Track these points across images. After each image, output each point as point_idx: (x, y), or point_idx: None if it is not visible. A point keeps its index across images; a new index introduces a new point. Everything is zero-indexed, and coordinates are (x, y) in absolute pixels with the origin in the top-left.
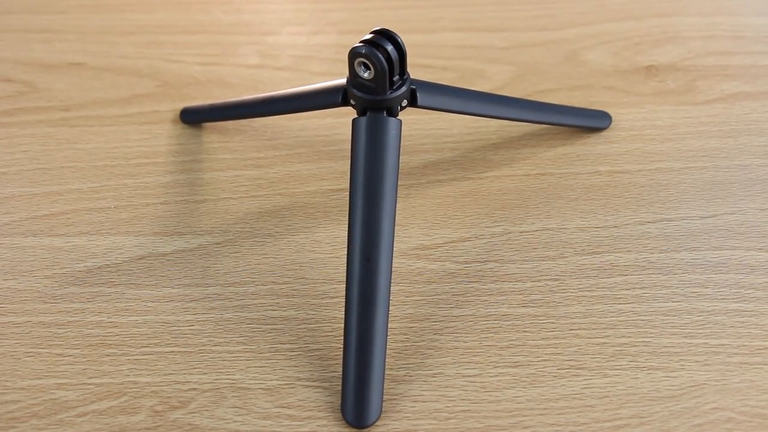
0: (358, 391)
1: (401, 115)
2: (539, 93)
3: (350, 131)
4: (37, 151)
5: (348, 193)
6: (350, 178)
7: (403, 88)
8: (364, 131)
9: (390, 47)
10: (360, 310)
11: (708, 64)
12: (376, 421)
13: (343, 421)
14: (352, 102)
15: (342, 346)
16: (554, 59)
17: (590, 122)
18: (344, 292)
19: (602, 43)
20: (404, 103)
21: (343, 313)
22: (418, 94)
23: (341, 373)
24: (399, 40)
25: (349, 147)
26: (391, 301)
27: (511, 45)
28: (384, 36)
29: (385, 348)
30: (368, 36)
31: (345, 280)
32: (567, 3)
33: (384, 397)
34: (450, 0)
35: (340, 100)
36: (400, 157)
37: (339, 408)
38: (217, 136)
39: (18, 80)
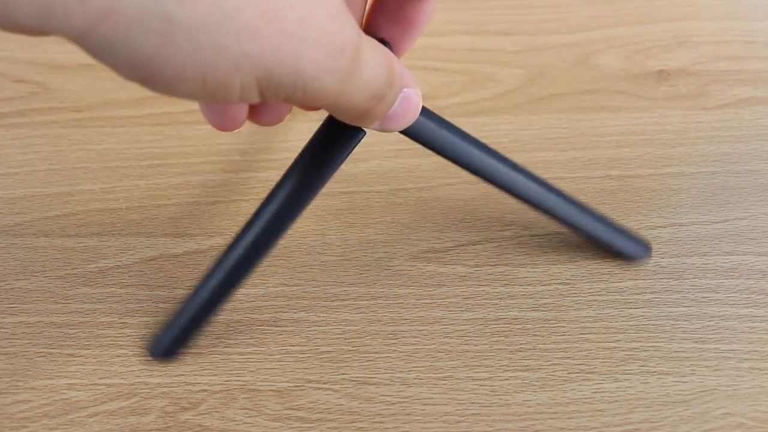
0: (178, 333)
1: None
2: (550, 96)
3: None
4: (49, 152)
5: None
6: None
7: None
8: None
9: None
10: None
11: (719, 69)
12: (164, 357)
13: None
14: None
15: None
16: (565, 63)
17: (624, 247)
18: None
19: (613, 47)
20: None
21: (341, 313)
22: None
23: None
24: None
25: (360, 149)
26: (401, 304)
27: (522, 48)
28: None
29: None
30: None
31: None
32: (578, 7)
33: (395, 399)
34: (461, 3)
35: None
36: (411, 160)
37: None
38: (229, 137)
39: (31, 81)
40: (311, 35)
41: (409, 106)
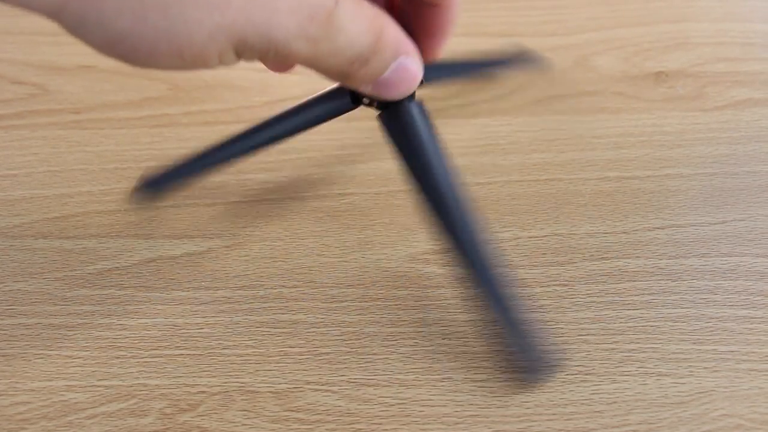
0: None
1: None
2: (548, 98)
3: (358, 134)
4: (47, 154)
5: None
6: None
7: None
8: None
9: None
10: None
11: (718, 71)
12: (149, 191)
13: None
14: (365, 100)
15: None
16: (564, 64)
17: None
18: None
19: (612, 49)
20: (375, 102)
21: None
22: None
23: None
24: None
25: (359, 151)
26: (400, 306)
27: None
28: None
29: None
30: None
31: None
32: (577, 9)
33: (393, 401)
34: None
35: (350, 101)
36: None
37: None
38: None
39: (29, 82)
40: (282, 4)
41: (404, 75)
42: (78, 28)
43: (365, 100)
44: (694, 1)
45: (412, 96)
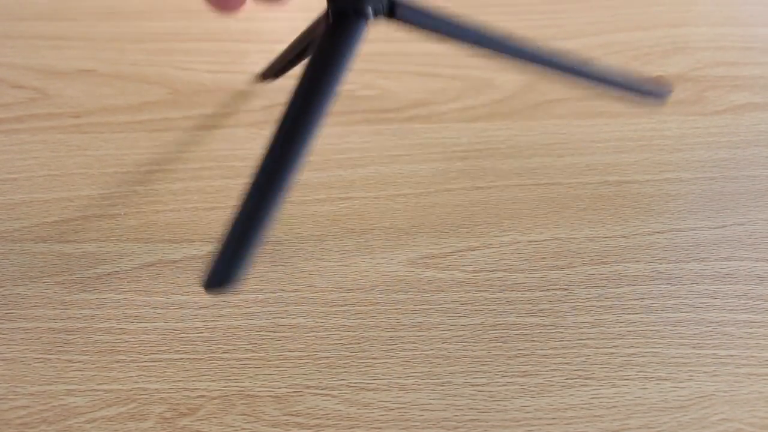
0: (230, 254)
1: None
2: (548, 102)
3: (357, 138)
4: (47, 158)
5: None
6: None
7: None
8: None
9: None
10: (261, 181)
11: (717, 75)
12: (221, 287)
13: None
14: None
15: None
16: None
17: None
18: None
19: (611, 53)
20: (381, 10)
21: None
22: (396, 5)
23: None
24: None
25: (359, 155)
26: (399, 310)
27: None
28: None
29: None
30: None
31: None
32: (576, 13)
33: (393, 405)
34: (459, 9)
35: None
36: (409, 165)
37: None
38: (227, 143)
39: (29, 87)
40: None
41: None
42: None
43: (371, 12)
44: (693, 6)
45: (364, 16)
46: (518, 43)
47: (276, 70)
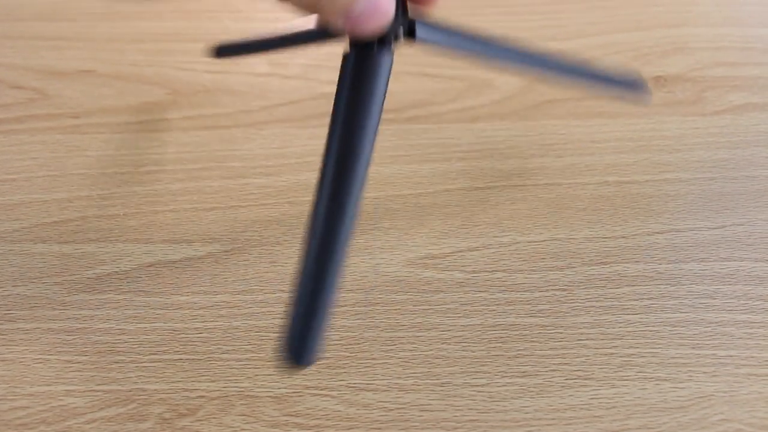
0: (305, 329)
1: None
2: (547, 103)
3: None
4: (47, 158)
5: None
6: (332, 113)
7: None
8: (353, 65)
9: None
10: (319, 249)
11: (716, 75)
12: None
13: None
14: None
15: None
16: None
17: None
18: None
19: (611, 54)
20: (401, 36)
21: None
22: (416, 26)
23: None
24: None
25: None
26: (399, 310)
27: None
28: None
29: (334, 295)
30: None
31: (310, 217)
32: (576, 13)
33: (393, 405)
34: (458, 10)
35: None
36: (409, 166)
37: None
38: (226, 144)
39: (28, 87)
40: None
41: (377, 7)
42: None
43: (393, 40)
44: (692, 6)
45: (388, 44)
46: (535, 52)
47: (235, 50)
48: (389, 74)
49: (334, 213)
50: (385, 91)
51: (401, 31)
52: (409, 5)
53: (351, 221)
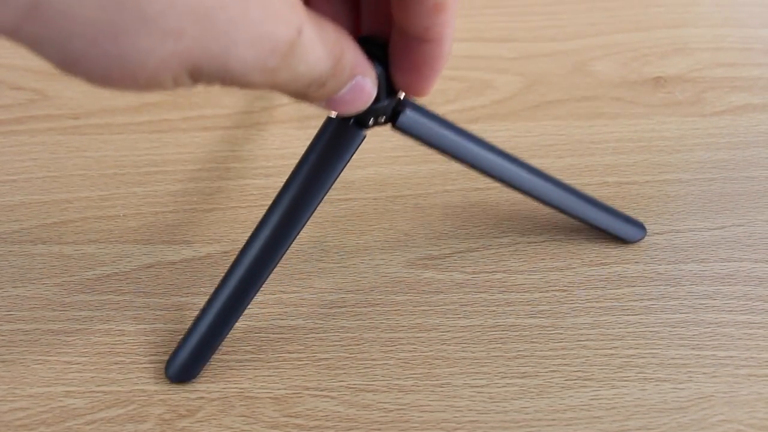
0: (196, 351)
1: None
2: (547, 103)
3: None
4: (47, 159)
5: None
6: (297, 164)
7: (393, 96)
8: (330, 132)
9: (380, 52)
10: (239, 282)
11: (716, 76)
12: (181, 378)
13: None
14: (370, 122)
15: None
16: (562, 70)
17: (619, 230)
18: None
19: (610, 54)
20: (382, 119)
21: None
22: (401, 116)
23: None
24: (384, 42)
25: (357, 156)
26: (399, 311)
27: (519, 55)
28: (370, 42)
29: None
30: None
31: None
32: (575, 14)
33: (392, 406)
34: (458, 10)
35: (358, 129)
36: (408, 167)
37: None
38: (226, 145)
39: (28, 88)
40: (241, 37)
41: (359, 95)
42: (35, 48)
43: (371, 122)
44: (692, 7)
45: (364, 125)
46: (517, 169)
47: None
48: (355, 151)
49: (260, 262)
50: (346, 164)
51: (385, 113)
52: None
53: (269, 270)
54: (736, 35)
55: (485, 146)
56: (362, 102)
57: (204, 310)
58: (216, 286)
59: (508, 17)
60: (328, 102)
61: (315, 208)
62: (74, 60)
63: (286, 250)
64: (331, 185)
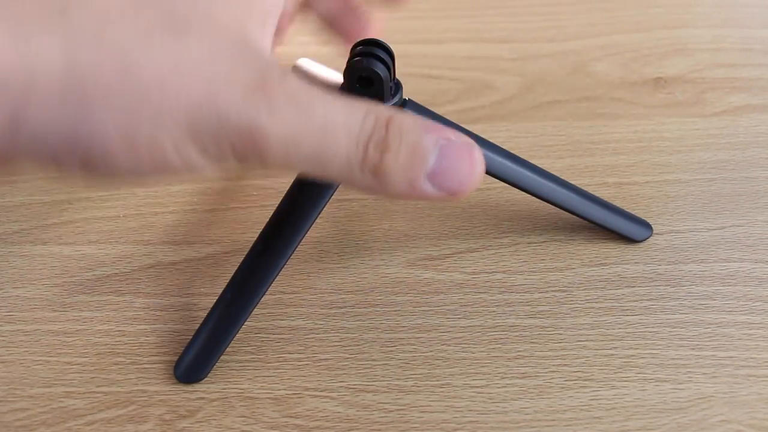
0: (203, 353)
1: None
2: (547, 104)
3: None
4: None
5: None
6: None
7: (396, 97)
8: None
9: (384, 55)
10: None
11: (716, 77)
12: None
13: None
14: None
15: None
16: (562, 70)
17: (626, 229)
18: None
19: (610, 55)
20: None
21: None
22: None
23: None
24: (388, 46)
25: None
26: (398, 312)
27: (519, 56)
28: (375, 45)
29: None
30: (360, 48)
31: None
32: (575, 14)
33: (392, 406)
34: (458, 11)
35: None
36: None
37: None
38: None
39: None
40: (219, 83)
41: (458, 157)
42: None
43: None
44: (692, 7)
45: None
46: (522, 169)
47: None
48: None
49: (270, 262)
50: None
51: None
52: None
53: (279, 270)
54: (735, 36)
55: (488, 146)
56: (468, 169)
57: (212, 311)
58: (223, 286)
59: (508, 18)
60: (433, 183)
61: (324, 206)
62: (57, 166)
63: (296, 248)
64: (338, 186)
